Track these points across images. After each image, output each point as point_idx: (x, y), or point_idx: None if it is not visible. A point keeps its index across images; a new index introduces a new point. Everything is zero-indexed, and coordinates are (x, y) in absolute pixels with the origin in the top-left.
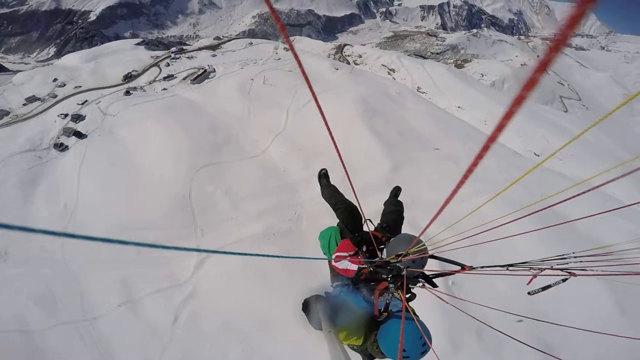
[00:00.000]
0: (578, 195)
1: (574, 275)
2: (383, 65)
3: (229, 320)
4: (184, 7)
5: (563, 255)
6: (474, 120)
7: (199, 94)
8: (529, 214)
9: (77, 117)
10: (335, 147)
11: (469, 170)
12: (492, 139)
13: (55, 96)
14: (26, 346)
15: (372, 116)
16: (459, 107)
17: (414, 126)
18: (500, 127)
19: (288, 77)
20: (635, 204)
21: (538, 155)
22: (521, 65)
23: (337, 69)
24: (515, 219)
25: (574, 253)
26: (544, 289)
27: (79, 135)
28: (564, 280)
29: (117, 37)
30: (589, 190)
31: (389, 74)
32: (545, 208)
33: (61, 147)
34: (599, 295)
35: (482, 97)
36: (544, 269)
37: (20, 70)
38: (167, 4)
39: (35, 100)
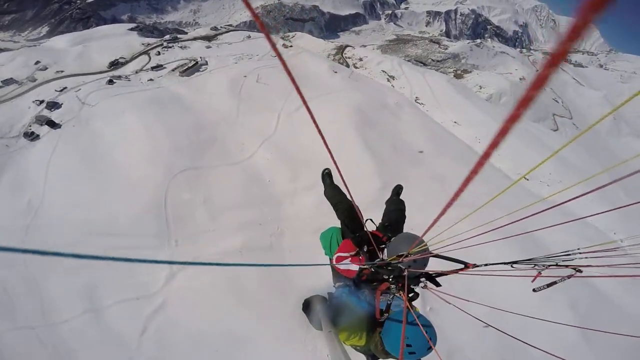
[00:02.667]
0: (540, 212)
1: (580, 271)
2: (383, 71)
3: (200, 334)
4: None
5: (568, 251)
6: (468, 138)
7: (187, 87)
8: (496, 228)
9: (53, 105)
10: (332, 158)
11: (458, 192)
12: (485, 156)
13: (35, 80)
14: None
15: (367, 127)
16: (455, 122)
17: (409, 141)
18: (492, 145)
19: (283, 77)
20: (585, 217)
21: (527, 180)
22: (520, 79)
23: (335, 72)
24: (485, 232)
25: (579, 249)
26: (549, 285)
27: (52, 124)
28: (569, 277)
29: (114, 20)
30: (551, 207)
31: (388, 80)
32: (511, 222)
33: (32, 136)
34: (566, 322)
35: (479, 113)
36: (549, 266)
37: (8, 49)
38: None
39: (13, 83)
